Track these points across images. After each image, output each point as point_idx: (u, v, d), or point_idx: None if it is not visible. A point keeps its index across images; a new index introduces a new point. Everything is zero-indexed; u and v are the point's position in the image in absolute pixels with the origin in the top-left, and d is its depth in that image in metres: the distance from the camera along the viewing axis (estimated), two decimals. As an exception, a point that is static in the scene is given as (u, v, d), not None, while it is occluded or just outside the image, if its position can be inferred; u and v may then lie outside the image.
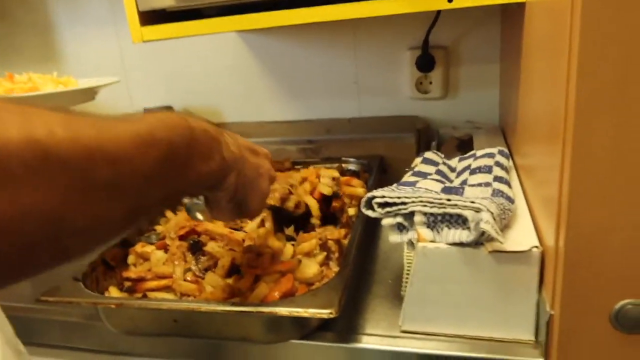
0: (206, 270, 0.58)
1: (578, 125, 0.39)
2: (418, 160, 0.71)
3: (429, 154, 0.72)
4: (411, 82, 1.03)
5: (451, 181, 0.65)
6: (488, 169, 0.62)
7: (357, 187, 0.79)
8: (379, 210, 0.54)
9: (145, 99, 1.23)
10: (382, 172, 0.97)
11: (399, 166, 0.95)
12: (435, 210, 0.51)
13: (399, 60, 1.02)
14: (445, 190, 0.58)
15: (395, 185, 0.61)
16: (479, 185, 0.59)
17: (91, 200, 0.28)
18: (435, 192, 0.57)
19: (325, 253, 0.62)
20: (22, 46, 1.31)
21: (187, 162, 0.38)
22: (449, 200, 0.51)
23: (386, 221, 0.54)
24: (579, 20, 0.37)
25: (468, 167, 0.66)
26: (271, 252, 0.59)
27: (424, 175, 0.64)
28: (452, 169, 0.70)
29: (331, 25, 0.97)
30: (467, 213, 0.49)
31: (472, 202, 0.50)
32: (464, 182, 0.62)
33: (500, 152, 0.68)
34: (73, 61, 1.27)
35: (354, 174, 0.94)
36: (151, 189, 0.34)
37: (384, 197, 0.54)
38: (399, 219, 0.54)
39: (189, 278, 0.58)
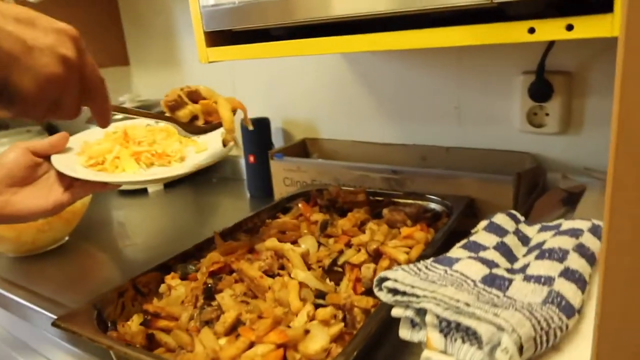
0: (207, 323, 0.54)
1: None
2: (482, 224, 0.57)
3: (499, 218, 0.58)
4: (522, 112, 0.86)
5: (514, 261, 0.51)
6: (561, 256, 0.47)
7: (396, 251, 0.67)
8: (389, 296, 0.44)
9: (248, 111, 1.24)
10: (471, 216, 0.83)
11: (492, 212, 0.81)
12: (448, 315, 0.39)
13: (509, 85, 0.86)
14: (488, 280, 0.45)
15: (430, 260, 0.49)
16: (538, 280, 0.44)
17: None
18: (472, 281, 0.45)
19: (342, 325, 0.53)
20: (150, 48, 1.42)
21: None
22: (467, 305, 0.39)
23: (396, 312, 0.44)
24: None
25: (541, 244, 0.51)
26: (275, 317, 0.52)
27: (477, 248, 0.52)
28: (526, 241, 0.55)
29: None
30: (484, 329, 0.37)
31: (496, 313, 0.37)
32: (524, 268, 0.48)
33: (594, 230, 0.51)
34: (190, 66, 1.34)
35: (435, 215, 0.82)
36: None
37: (396, 281, 0.44)
38: (410, 313, 0.43)
39: (191, 326, 0.55)
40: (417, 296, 0.42)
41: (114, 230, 1.11)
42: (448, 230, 0.72)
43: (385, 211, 0.81)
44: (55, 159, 0.63)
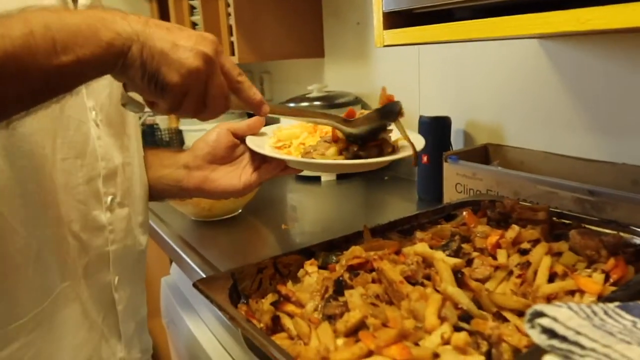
0: (329, 317, 0.49)
1: None
2: None
3: None
4: None
5: None
6: None
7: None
8: (543, 337, 0.34)
9: (430, 108, 1.17)
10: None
11: None
12: (624, 383, 0.28)
13: None
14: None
15: (614, 305, 0.37)
16: None
17: None
18: (675, 346, 0.31)
19: (483, 358, 0.44)
20: (345, 41, 1.43)
21: (49, 52, 0.40)
22: (658, 378, 0.27)
23: (547, 359, 0.33)
24: None
25: None
26: (401, 329, 0.45)
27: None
28: None
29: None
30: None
31: None
32: None
33: None
34: (378, 60, 1.31)
35: (638, 253, 0.64)
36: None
37: (555, 320, 0.33)
38: (568, 367, 0.32)
39: (314, 317, 0.51)
40: (583, 347, 0.31)
41: (283, 211, 1.15)
42: (656, 273, 0.55)
43: (573, 233, 0.66)
44: (249, 140, 0.68)
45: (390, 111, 0.66)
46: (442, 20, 0.64)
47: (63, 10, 0.52)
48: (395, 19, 0.68)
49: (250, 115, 0.67)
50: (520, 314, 0.53)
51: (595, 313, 0.35)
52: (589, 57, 0.84)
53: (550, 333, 0.33)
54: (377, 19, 0.69)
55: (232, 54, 1.44)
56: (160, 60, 0.45)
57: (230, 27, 1.45)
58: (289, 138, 0.74)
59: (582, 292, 0.54)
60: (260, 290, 0.62)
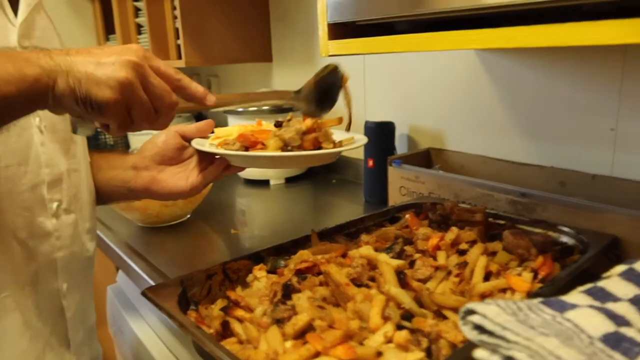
0: (278, 321, 0.51)
1: None
2: (618, 269, 0.46)
3: (643, 265, 0.46)
4: (701, 142, 0.69)
5: (654, 322, 0.40)
6: None
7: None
8: (474, 333, 0.37)
9: (375, 114, 1.20)
10: (613, 259, 0.69)
11: (642, 258, 0.66)
12: (543, 372, 0.31)
13: (686, 107, 0.70)
14: (612, 339, 0.35)
15: (537, 301, 0.40)
16: (682, 353, 0.33)
17: None
18: (588, 337, 0.35)
19: (422, 355, 0.46)
20: (293, 46, 1.45)
21: None
22: (572, 366, 0.30)
23: (479, 354, 0.36)
24: None
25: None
26: (347, 330, 0.47)
27: (604, 297, 0.41)
28: (677, 301, 0.43)
29: (592, 48, 0.74)
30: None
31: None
32: (667, 335, 0.36)
33: None
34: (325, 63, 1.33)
35: (565, 250, 0.69)
36: None
37: (484, 317, 0.36)
38: (496, 359, 0.35)
39: (263, 321, 0.52)
40: (508, 340, 0.34)
41: (232, 216, 1.15)
42: (578, 269, 0.60)
43: (506, 233, 0.70)
44: (195, 141, 0.69)
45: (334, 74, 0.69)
46: (384, 33, 0.67)
47: None
48: (339, 30, 0.70)
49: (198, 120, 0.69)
50: (458, 311, 0.57)
51: (520, 309, 0.38)
52: (522, 68, 0.89)
53: (480, 329, 0.36)
54: (322, 30, 0.71)
55: (179, 57, 1.42)
56: (88, 82, 0.46)
57: (176, 30, 1.43)
58: (228, 133, 0.74)
59: (513, 290, 0.58)
60: (210, 296, 0.63)
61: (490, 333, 0.35)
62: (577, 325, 0.36)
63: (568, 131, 0.85)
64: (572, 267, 0.60)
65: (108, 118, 0.48)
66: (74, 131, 0.53)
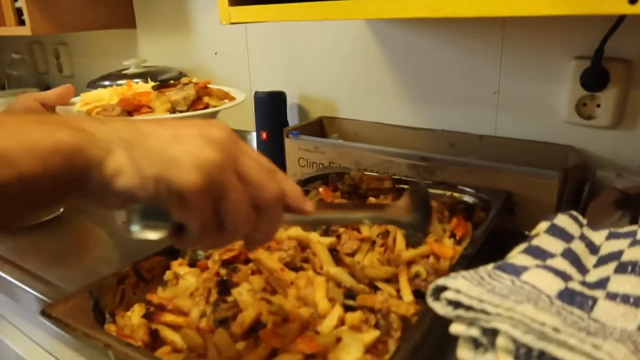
0: (221, 322, 0.47)
1: None
2: (543, 226, 0.50)
3: (561, 220, 0.50)
4: (571, 101, 0.78)
5: (585, 272, 0.44)
6: (649, 270, 0.40)
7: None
8: (449, 309, 0.37)
9: (262, 84, 1.15)
10: (508, 212, 0.75)
11: (533, 210, 0.74)
12: (530, 340, 0.32)
13: (558, 71, 0.78)
14: (565, 295, 0.38)
15: (491, 267, 0.42)
16: (625, 299, 0.37)
17: None
18: (547, 296, 0.37)
19: (377, 333, 0.46)
20: (159, 10, 1.32)
21: None
22: (556, 330, 0.32)
23: (456, 328, 0.37)
24: None
25: (617, 254, 0.44)
26: (302, 321, 0.45)
27: (542, 255, 0.44)
28: (594, 250, 0.48)
29: (476, 18, 0.77)
30: (582, 365, 0.29)
31: (596, 345, 0.30)
32: (603, 283, 0.40)
33: (679, 241, 0.44)
34: (202, 32, 1.24)
35: (469, 208, 0.74)
36: None
37: (458, 292, 0.36)
38: (475, 332, 0.36)
39: (202, 324, 0.48)
40: (488, 313, 0.35)
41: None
42: (489, 227, 0.65)
43: None
44: (60, 110, 0.65)
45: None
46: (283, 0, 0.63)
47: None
48: (239, -4, 0.65)
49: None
50: (387, 281, 0.58)
51: (482, 278, 0.39)
52: (413, 36, 0.92)
53: (455, 304, 0.37)
54: (222, -5, 0.64)
55: (22, 23, 1.20)
56: (164, 161, 0.34)
57: (13, -10, 1.21)
58: (97, 99, 0.71)
59: (437, 257, 0.60)
60: (124, 303, 0.56)
61: (468, 307, 0.36)
62: (535, 286, 0.38)
63: (456, 95, 0.90)
64: (485, 225, 0.65)
65: (189, 212, 0.34)
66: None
